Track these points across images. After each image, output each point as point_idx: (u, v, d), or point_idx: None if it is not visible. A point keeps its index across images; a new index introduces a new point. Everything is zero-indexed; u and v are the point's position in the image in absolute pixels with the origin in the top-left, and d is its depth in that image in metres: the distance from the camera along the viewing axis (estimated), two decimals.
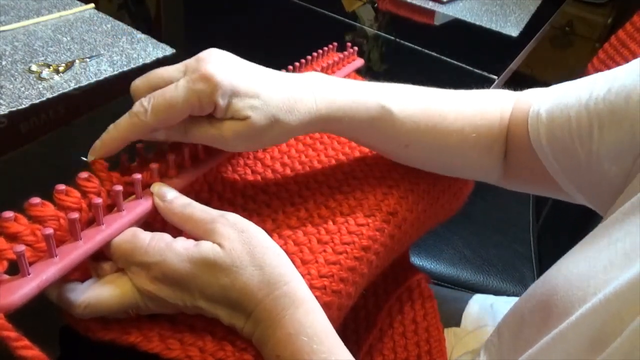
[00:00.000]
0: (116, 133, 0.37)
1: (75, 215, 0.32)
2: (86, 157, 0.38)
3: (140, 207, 0.37)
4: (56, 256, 0.32)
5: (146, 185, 0.39)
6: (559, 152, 0.45)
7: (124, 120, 0.37)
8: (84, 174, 0.36)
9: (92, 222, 0.35)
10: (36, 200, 0.33)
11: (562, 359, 0.33)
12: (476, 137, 0.49)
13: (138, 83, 0.39)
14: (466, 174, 0.55)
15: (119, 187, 0.35)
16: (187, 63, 0.39)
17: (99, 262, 0.36)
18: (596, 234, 0.39)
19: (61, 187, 0.34)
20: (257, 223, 0.38)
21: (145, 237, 0.35)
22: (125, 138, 0.38)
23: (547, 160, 0.46)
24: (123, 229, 0.36)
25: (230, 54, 0.41)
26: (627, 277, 0.31)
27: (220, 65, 0.38)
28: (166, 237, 0.35)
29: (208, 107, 0.37)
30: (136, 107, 0.37)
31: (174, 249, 0.34)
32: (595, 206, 0.47)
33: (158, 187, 0.38)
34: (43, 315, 0.36)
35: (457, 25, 1.09)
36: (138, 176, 0.37)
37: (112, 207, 0.37)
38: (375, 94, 0.45)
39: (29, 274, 0.31)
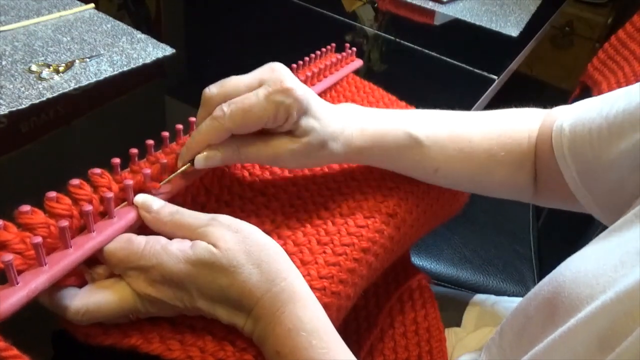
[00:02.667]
0: (199, 137, 0.40)
1: (65, 223, 0.32)
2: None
3: (132, 213, 0.37)
4: (46, 264, 0.32)
5: (139, 191, 0.38)
6: (580, 164, 0.46)
7: (205, 125, 0.39)
8: (75, 181, 0.35)
9: (83, 229, 0.35)
10: (26, 207, 0.32)
11: (569, 357, 0.33)
12: (505, 156, 0.50)
13: (213, 90, 0.40)
14: (500, 193, 0.55)
15: (110, 194, 0.35)
16: (263, 72, 0.40)
17: (93, 267, 0.36)
18: (607, 234, 0.39)
19: (52, 194, 0.34)
20: (255, 224, 0.38)
21: (140, 242, 0.35)
22: (206, 141, 0.40)
23: (569, 174, 0.47)
24: (114, 236, 0.35)
25: None
26: (638, 275, 0.31)
27: (297, 81, 0.40)
28: (161, 239, 0.35)
29: (282, 119, 0.40)
30: (217, 111, 0.39)
31: (169, 251, 0.34)
32: (608, 220, 0.47)
33: (142, 199, 0.38)
34: (35, 320, 0.36)
35: (457, 25, 1.09)
36: (129, 182, 0.37)
37: (105, 214, 0.36)
38: (402, 122, 0.48)
39: (17, 283, 0.30)
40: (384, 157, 0.48)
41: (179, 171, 0.41)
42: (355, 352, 0.36)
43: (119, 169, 0.39)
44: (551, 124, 0.49)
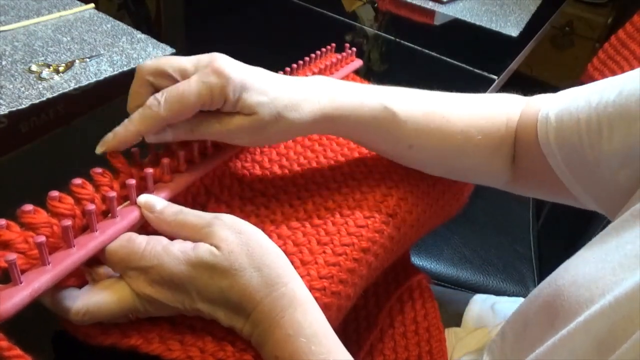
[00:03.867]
0: (130, 126, 0.38)
1: (68, 222, 0.32)
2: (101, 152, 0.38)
3: (134, 212, 0.37)
4: (49, 264, 0.32)
5: (141, 190, 0.38)
6: (568, 155, 0.45)
7: (137, 114, 0.38)
8: (77, 180, 0.35)
9: (86, 228, 0.35)
10: (29, 207, 0.32)
11: None
12: (481, 139, 0.49)
13: (148, 63, 0.39)
14: (473, 177, 0.55)
15: (113, 193, 0.35)
16: (200, 58, 0.39)
17: (94, 267, 0.36)
18: (605, 235, 0.38)
19: (54, 193, 0.34)
20: (255, 225, 0.37)
21: (142, 242, 0.35)
22: (139, 131, 0.38)
23: (556, 164, 0.46)
24: (117, 235, 0.35)
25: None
26: (637, 279, 0.31)
27: (232, 62, 0.39)
28: (163, 240, 0.35)
29: (219, 101, 0.38)
30: (150, 100, 0.38)
31: (170, 252, 0.34)
32: (604, 210, 0.47)
33: (145, 199, 0.37)
34: (37, 320, 0.36)
35: (457, 25, 1.09)
36: (132, 181, 0.37)
37: (107, 212, 0.36)
38: (378, 95, 0.46)
39: (21, 283, 0.30)
40: (356, 129, 0.47)
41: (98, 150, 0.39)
42: (355, 352, 0.36)
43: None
44: (534, 111, 0.48)
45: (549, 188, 0.50)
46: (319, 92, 0.44)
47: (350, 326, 0.57)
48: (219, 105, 0.39)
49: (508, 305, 0.64)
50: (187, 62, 0.39)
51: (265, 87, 0.41)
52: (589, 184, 0.45)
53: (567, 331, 0.34)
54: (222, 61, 0.39)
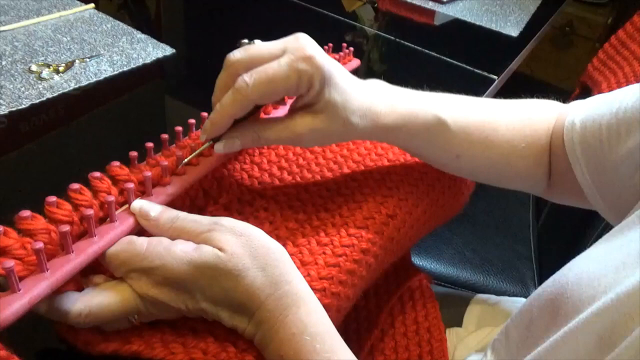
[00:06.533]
0: (222, 109, 0.39)
1: (66, 228, 0.32)
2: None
3: (132, 216, 0.37)
4: (47, 270, 0.31)
5: (140, 194, 0.38)
6: (590, 160, 0.46)
7: (227, 97, 0.38)
8: (74, 186, 0.35)
9: (84, 234, 0.34)
10: (26, 213, 0.32)
11: (571, 358, 0.33)
12: (525, 148, 0.50)
13: (237, 55, 0.39)
14: (516, 184, 0.55)
15: (111, 198, 0.35)
16: (287, 41, 0.39)
17: (91, 276, 0.36)
18: (610, 236, 0.39)
19: (52, 199, 0.33)
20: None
21: (142, 243, 0.34)
22: (230, 114, 0.39)
23: (579, 169, 0.47)
24: (116, 240, 0.35)
25: None
26: (638, 277, 0.31)
27: (321, 51, 0.39)
28: (164, 240, 0.35)
29: (305, 88, 0.39)
30: (238, 82, 0.38)
31: (173, 252, 0.34)
32: (614, 219, 0.47)
33: (139, 206, 0.37)
34: (35, 330, 0.35)
35: (457, 25, 1.09)
36: (130, 185, 0.36)
37: (106, 217, 0.36)
38: (432, 105, 0.47)
39: (19, 290, 0.30)
40: (411, 139, 0.47)
41: (201, 148, 0.41)
42: (355, 352, 0.36)
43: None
44: (564, 120, 0.49)
45: (576, 196, 0.51)
46: (380, 100, 0.44)
47: (351, 326, 0.57)
48: (303, 92, 0.39)
49: (509, 305, 0.64)
50: (275, 48, 0.39)
51: (344, 87, 0.41)
52: (606, 191, 0.46)
53: (569, 328, 0.34)
54: (313, 49, 0.38)
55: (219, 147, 0.40)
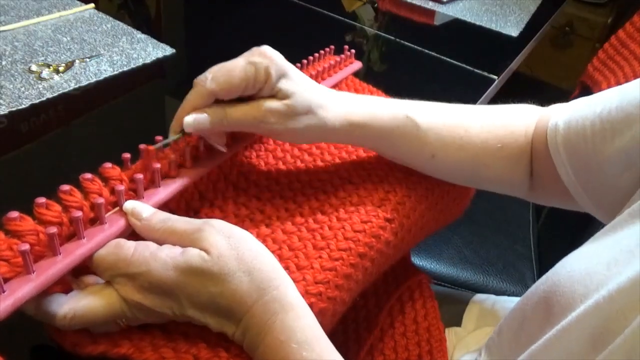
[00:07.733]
0: (185, 104, 0.41)
1: (53, 229, 0.31)
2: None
3: (123, 219, 0.36)
4: (34, 272, 0.31)
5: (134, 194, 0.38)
6: (575, 160, 0.46)
7: (189, 93, 0.41)
8: (65, 187, 0.34)
9: (73, 236, 0.34)
10: (14, 214, 0.32)
11: (564, 356, 0.33)
12: (501, 148, 0.50)
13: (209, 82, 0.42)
14: (496, 187, 0.55)
15: (101, 200, 0.34)
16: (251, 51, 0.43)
17: (80, 276, 0.35)
18: (602, 234, 0.39)
19: (41, 200, 0.33)
20: (249, 229, 0.37)
21: (130, 247, 0.34)
22: (192, 106, 0.41)
23: (563, 170, 0.47)
24: (105, 243, 0.34)
25: None
26: (630, 274, 0.31)
27: (275, 51, 0.43)
28: (151, 245, 0.35)
29: (262, 80, 0.41)
30: (199, 78, 0.41)
31: (159, 258, 0.33)
32: (604, 217, 0.47)
33: (132, 207, 0.37)
34: (19, 330, 0.35)
35: (457, 25, 1.09)
36: (121, 187, 0.36)
37: (95, 220, 0.35)
38: (400, 105, 0.48)
39: (3, 292, 0.30)
40: (379, 137, 0.48)
41: (171, 138, 0.41)
42: (355, 352, 0.36)
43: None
44: (547, 121, 0.49)
45: (561, 197, 0.51)
46: (343, 99, 0.46)
47: (350, 326, 0.57)
48: (261, 84, 0.41)
49: (508, 305, 0.64)
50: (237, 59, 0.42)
51: (301, 81, 0.44)
52: (593, 191, 0.46)
53: (562, 326, 0.34)
54: (267, 47, 0.43)
55: (189, 120, 0.41)
